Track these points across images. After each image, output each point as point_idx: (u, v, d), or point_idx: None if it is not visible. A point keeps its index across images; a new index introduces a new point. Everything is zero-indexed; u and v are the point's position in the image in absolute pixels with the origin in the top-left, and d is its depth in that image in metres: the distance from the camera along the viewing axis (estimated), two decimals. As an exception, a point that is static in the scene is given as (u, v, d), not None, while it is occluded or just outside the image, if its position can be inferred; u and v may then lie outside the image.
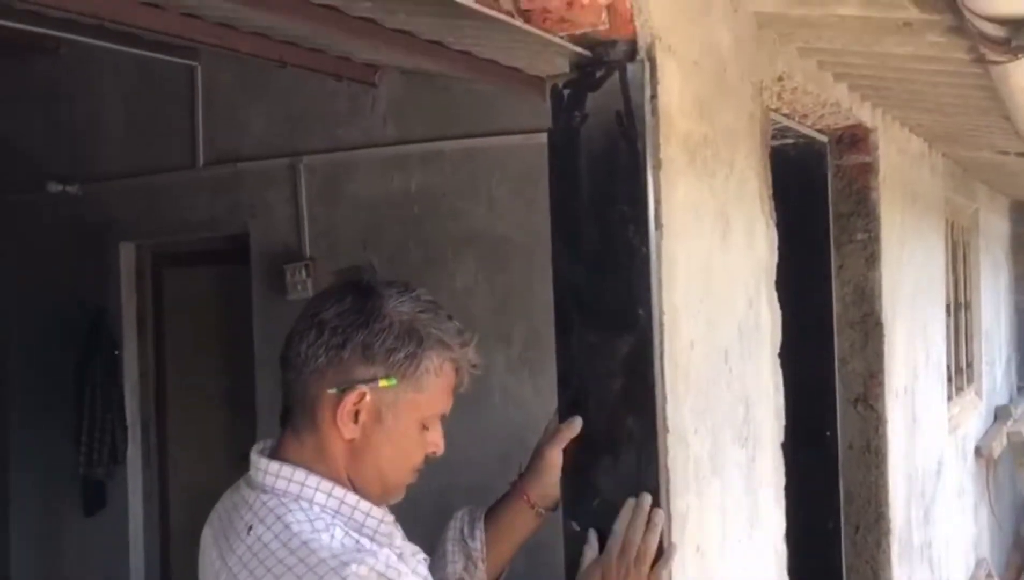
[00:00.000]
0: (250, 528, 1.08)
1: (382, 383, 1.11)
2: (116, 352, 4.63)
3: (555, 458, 1.37)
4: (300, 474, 1.11)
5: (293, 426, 1.16)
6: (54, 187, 4.62)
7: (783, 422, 1.84)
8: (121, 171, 4.58)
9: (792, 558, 1.91)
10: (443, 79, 3.63)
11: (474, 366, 1.19)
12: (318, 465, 1.13)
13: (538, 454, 1.41)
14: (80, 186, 4.66)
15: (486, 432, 3.61)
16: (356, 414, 1.11)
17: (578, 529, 1.34)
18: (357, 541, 1.07)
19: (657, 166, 1.32)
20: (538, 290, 3.48)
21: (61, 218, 4.82)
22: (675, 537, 1.33)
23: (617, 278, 1.30)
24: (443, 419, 1.21)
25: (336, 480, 1.13)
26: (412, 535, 1.23)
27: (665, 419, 1.33)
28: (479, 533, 1.41)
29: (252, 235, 4.19)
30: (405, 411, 1.14)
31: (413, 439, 1.17)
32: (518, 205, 3.60)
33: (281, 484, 1.11)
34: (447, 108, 3.76)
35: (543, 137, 3.72)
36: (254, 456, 1.15)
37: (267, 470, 1.12)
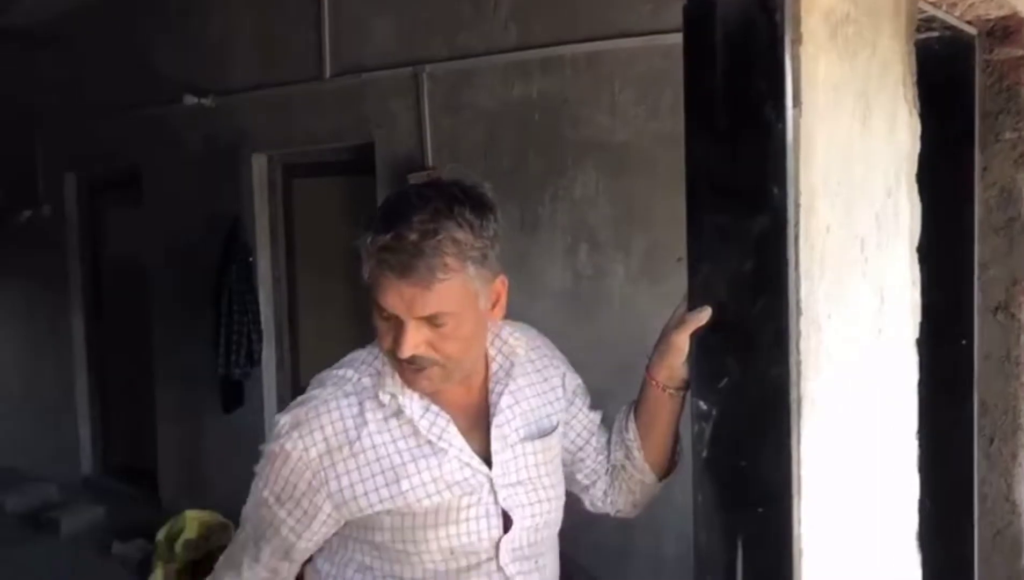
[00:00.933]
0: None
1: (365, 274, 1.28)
2: (250, 259, 4.84)
3: (681, 343, 1.38)
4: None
5: None
6: (190, 100, 4.81)
7: (919, 319, 1.78)
8: (252, 84, 4.73)
9: (921, 469, 1.87)
10: (565, -18, 3.58)
11: (381, 249, 1.24)
12: None
13: (664, 338, 1.43)
14: (214, 98, 4.83)
15: (605, 341, 3.62)
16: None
17: (705, 408, 1.34)
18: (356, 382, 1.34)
19: (797, 40, 1.27)
20: (659, 199, 3.43)
21: (197, 130, 5.03)
22: (804, 422, 1.32)
23: (752, 157, 1.27)
24: (391, 318, 1.27)
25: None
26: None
27: (799, 302, 1.31)
28: (631, 425, 1.50)
29: (376, 145, 4.27)
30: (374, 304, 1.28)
31: (376, 325, 1.30)
32: (640, 111, 3.53)
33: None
34: (569, 12, 3.69)
35: (667, 39, 3.64)
36: None
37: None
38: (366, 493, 1.29)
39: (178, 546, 4.58)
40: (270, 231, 4.97)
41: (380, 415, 1.32)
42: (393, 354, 1.27)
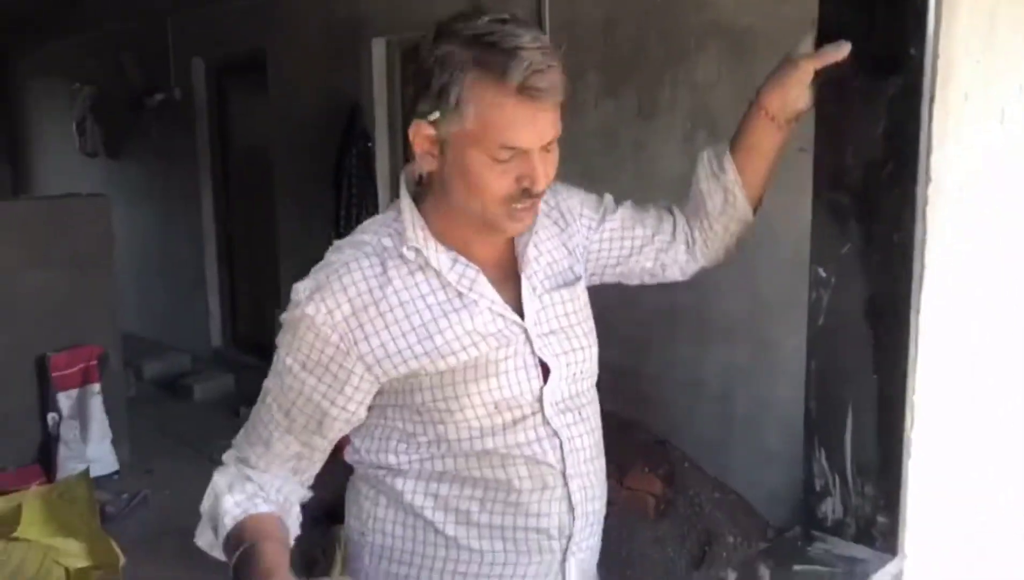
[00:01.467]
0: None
1: (430, 118, 1.17)
2: (369, 144, 4.94)
3: (807, 71, 1.33)
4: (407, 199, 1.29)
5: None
6: (313, -16, 4.86)
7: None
8: (373, -34, 4.73)
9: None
10: None
11: (529, 67, 1.12)
12: (427, 195, 1.28)
13: (788, 64, 1.36)
14: (336, -18, 4.87)
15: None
16: (421, 148, 1.21)
17: (824, 275, 1.34)
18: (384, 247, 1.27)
19: None
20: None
21: (320, 15, 5.09)
22: (924, 292, 1.30)
23: (889, 16, 1.23)
24: (512, 155, 1.17)
25: (439, 216, 1.27)
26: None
27: (928, 169, 1.28)
28: (728, 165, 1.43)
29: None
30: (459, 144, 1.18)
31: (482, 173, 1.18)
32: (766, -7, 3.40)
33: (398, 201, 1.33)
34: None
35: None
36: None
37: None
38: (399, 351, 1.22)
39: (300, 414, 4.88)
40: (388, 117, 5.04)
41: (404, 271, 1.25)
42: (499, 201, 1.20)
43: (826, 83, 1.33)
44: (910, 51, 1.24)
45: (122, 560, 3.47)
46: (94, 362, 4.28)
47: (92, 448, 4.29)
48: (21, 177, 8.78)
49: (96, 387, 4.30)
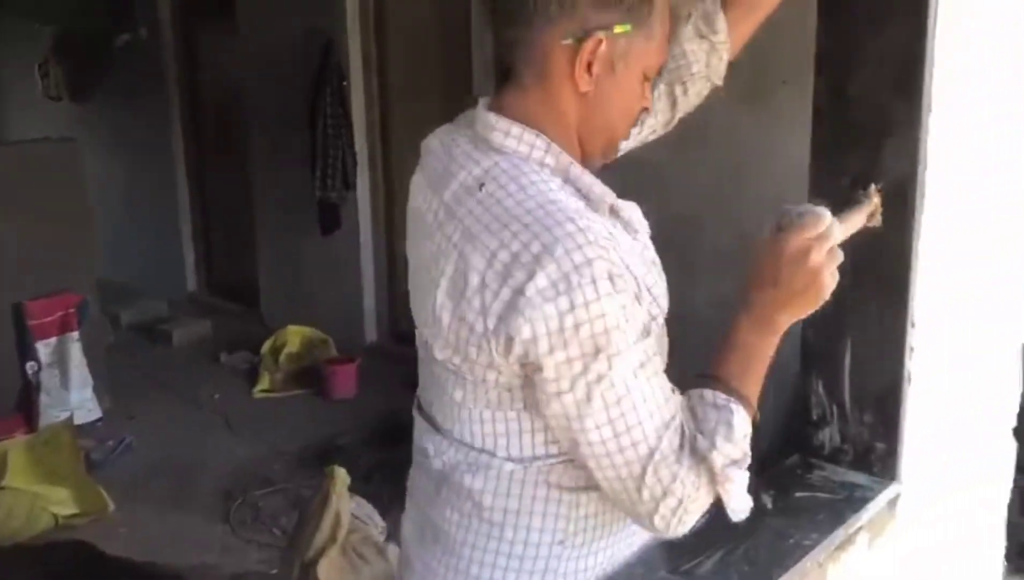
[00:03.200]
0: (482, 185, 1.07)
1: (617, 29, 1.06)
2: (344, 83, 4.85)
3: None
4: (530, 135, 1.09)
5: (519, 83, 1.12)
6: (283, -84, 4.72)
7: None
8: None
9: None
10: None
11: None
12: (547, 124, 1.10)
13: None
14: (307, -86, 4.73)
15: (701, 165, 3.58)
16: (590, 64, 1.07)
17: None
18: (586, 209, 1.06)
19: None
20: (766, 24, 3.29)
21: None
22: (923, 232, 1.31)
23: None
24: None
25: (564, 143, 1.11)
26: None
27: (930, 103, 1.28)
28: (720, 25, 1.39)
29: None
30: (635, 60, 1.10)
31: (636, 92, 1.13)
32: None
33: (511, 143, 1.09)
34: None
35: None
36: (483, 112, 1.12)
37: (496, 127, 1.10)
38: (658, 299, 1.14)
39: (282, 357, 4.87)
40: (362, 54, 4.94)
41: (618, 228, 1.12)
42: (633, 123, 1.19)
43: (826, 28, 1.31)
44: None
45: (110, 506, 3.49)
46: (72, 310, 4.24)
47: (73, 396, 4.26)
48: (-19, 122, 8.56)
49: (75, 335, 4.26)
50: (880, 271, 1.33)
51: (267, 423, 4.35)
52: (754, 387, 1.11)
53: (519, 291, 0.99)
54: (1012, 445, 1.81)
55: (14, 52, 7.46)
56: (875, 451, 1.35)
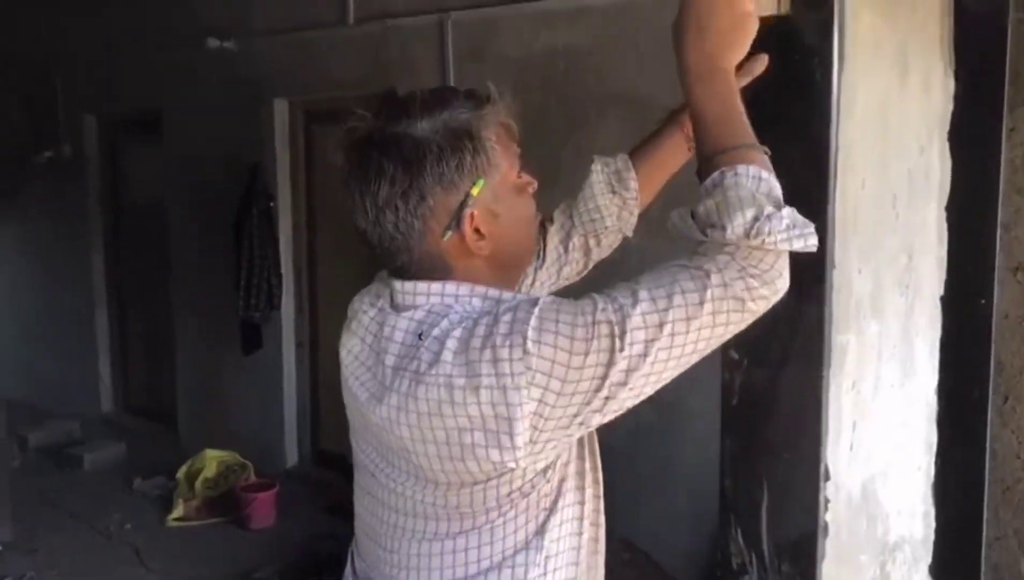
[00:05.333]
0: (420, 335, 1.10)
1: (475, 191, 1.11)
2: (271, 204, 4.87)
3: None
4: (451, 286, 1.13)
5: (429, 277, 1.15)
6: (213, 43, 4.80)
7: (944, 275, 1.82)
8: (275, 27, 4.71)
9: (939, 423, 1.92)
10: (594, -70, 3.54)
11: (510, 105, 1.16)
12: (466, 281, 1.14)
13: None
14: (236, 42, 4.82)
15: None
16: (478, 231, 1.12)
17: (736, 357, 1.38)
18: None
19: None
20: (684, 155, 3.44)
21: (220, 74, 5.02)
22: (833, 372, 1.37)
23: (797, 108, 1.30)
24: (529, 182, 1.19)
25: (486, 284, 1.15)
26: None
27: (833, 254, 1.35)
28: (632, 183, 1.45)
29: (399, 92, 4.25)
30: (504, 191, 1.15)
31: (521, 202, 1.19)
32: (667, 64, 3.49)
33: (435, 300, 1.13)
34: (597, -38, 3.67)
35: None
36: (395, 282, 1.16)
37: (416, 291, 1.14)
38: None
39: (198, 484, 4.70)
40: (291, 177, 4.99)
41: None
42: (534, 219, 1.23)
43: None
44: (815, 145, 1.30)
45: (5, 651, 3.26)
46: (-26, 436, 4.05)
47: (-29, 527, 4.03)
48: None
49: (-24, 462, 4.06)
50: (794, 421, 1.36)
51: (180, 554, 4.16)
52: (739, 132, 1.12)
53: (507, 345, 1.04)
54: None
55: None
56: (794, 601, 1.36)
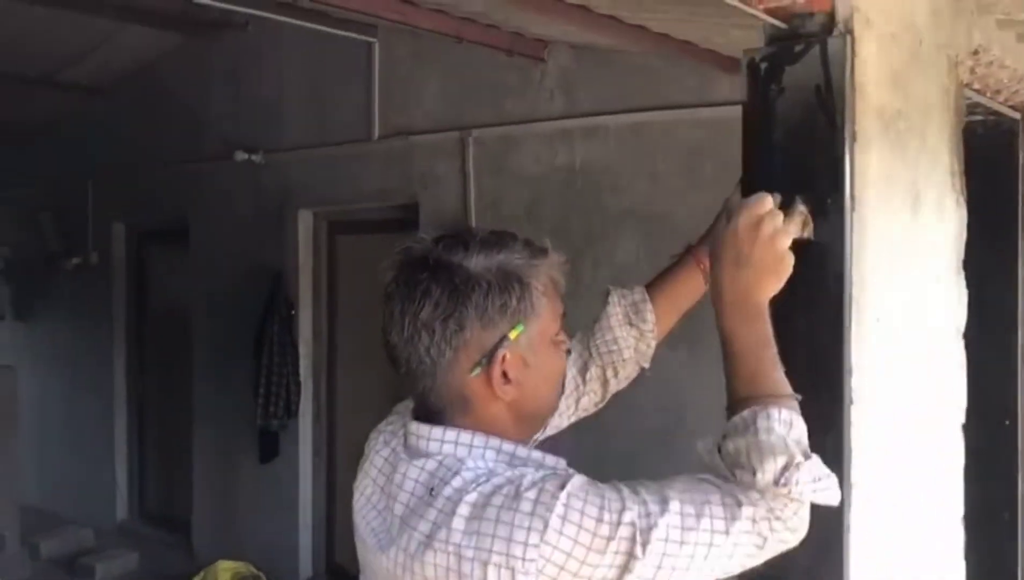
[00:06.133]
0: (431, 490, 1.08)
1: (513, 335, 1.11)
2: (292, 312, 4.93)
3: None
4: (466, 436, 1.12)
5: (446, 416, 1.14)
6: (240, 156, 4.95)
7: (964, 404, 1.81)
8: (301, 142, 4.86)
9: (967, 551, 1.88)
10: (610, 53, 3.67)
11: (563, 262, 1.19)
12: (482, 430, 1.13)
13: (724, 219, 1.37)
14: (264, 155, 4.97)
15: (639, 406, 3.63)
16: (505, 375, 1.12)
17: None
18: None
19: (853, 139, 1.32)
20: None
21: (246, 186, 5.16)
22: (853, 512, 1.34)
23: (811, 250, 1.31)
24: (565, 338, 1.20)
25: (503, 435, 1.13)
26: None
27: (851, 392, 1.34)
28: (649, 315, 1.48)
29: (421, 205, 4.36)
30: (540, 342, 1.15)
31: (554, 362, 1.19)
32: (681, 181, 3.59)
33: (448, 449, 1.11)
34: (613, 82, 3.78)
35: (710, 112, 3.69)
36: (413, 424, 1.16)
37: (431, 437, 1.12)
38: None
39: (210, 596, 4.62)
40: (313, 286, 5.06)
41: None
42: (561, 378, 1.23)
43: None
44: (829, 281, 1.32)
45: None
46: (-12, 546, 4.02)
47: (-21, 642, 3.96)
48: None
49: (-13, 573, 4.02)
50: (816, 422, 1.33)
51: (189, 673, 4.07)
52: (772, 377, 1.12)
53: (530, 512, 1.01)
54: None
55: (-38, 270, 7.49)
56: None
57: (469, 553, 1.02)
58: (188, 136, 5.44)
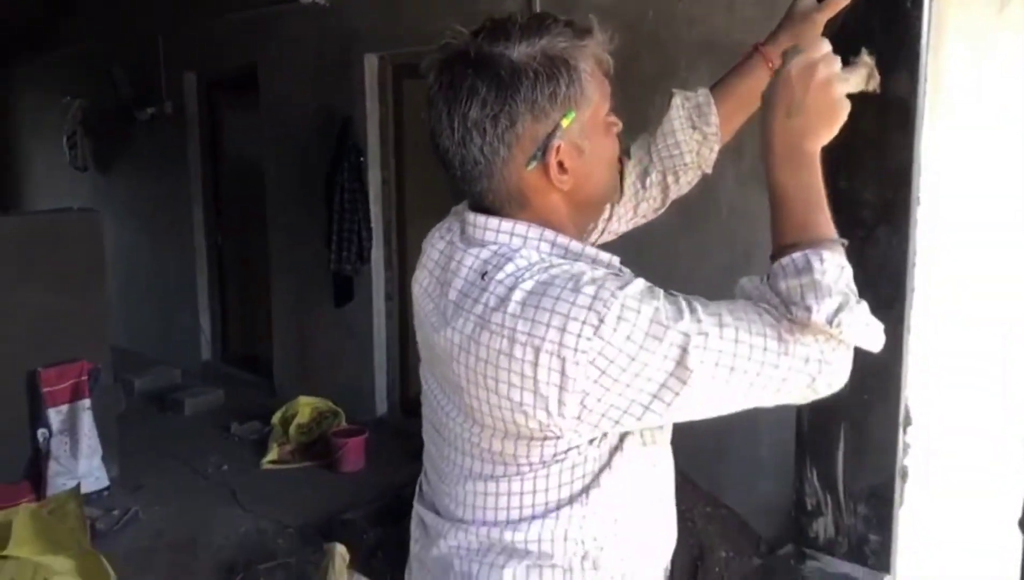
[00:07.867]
0: (484, 274, 1.09)
1: (565, 123, 1.09)
2: (361, 159, 4.95)
3: (819, 22, 1.37)
4: (521, 227, 1.12)
5: (505, 211, 1.13)
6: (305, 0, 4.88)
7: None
8: (365, -18, 4.76)
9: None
10: None
11: (609, 39, 1.14)
12: (541, 221, 1.13)
13: (799, 15, 1.39)
14: (328, -2, 4.89)
15: (712, 246, 3.61)
16: (561, 165, 1.11)
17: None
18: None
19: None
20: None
21: (311, 30, 5.11)
22: (914, 310, 1.32)
23: (885, 44, 1.25)
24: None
25: (559, 227, 1.13)
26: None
27: (918, 193, 1.30)
28: (713, 118, 1.44)
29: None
30: (592, 126, 1.13)
31: (609, 146, 1.17)
32: (758, 11, 3.43)
33: (503, 238, 1.11)
34: (689, -93, 3.58)
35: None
36: (469, 214, 1.15)
37: (487, 226, 1.12)
38: None
39: (292, 429, 4.87)
40: (380, 132, 5.05)
41: None
42: (617, 160, 1.20)
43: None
44: (903, 76, 1.26)
45: (113, 577, 3.46)
46: (85, 377, 4.27)
47: (82, 464, 4.27)
48: (9, 191, 8.75)
49: (86, 403, 4.28)
50: (874, 361, 1.33)
51: (273, 495, 4.33)
52: (822, 223, 1.10)
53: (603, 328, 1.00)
54: (1018, 539, 1.78)
55: (44, 124, 7.69)
56: (869, 543, 1.34)
57: (523, 337, 1.03)
58: (253, -20, 5.37)
